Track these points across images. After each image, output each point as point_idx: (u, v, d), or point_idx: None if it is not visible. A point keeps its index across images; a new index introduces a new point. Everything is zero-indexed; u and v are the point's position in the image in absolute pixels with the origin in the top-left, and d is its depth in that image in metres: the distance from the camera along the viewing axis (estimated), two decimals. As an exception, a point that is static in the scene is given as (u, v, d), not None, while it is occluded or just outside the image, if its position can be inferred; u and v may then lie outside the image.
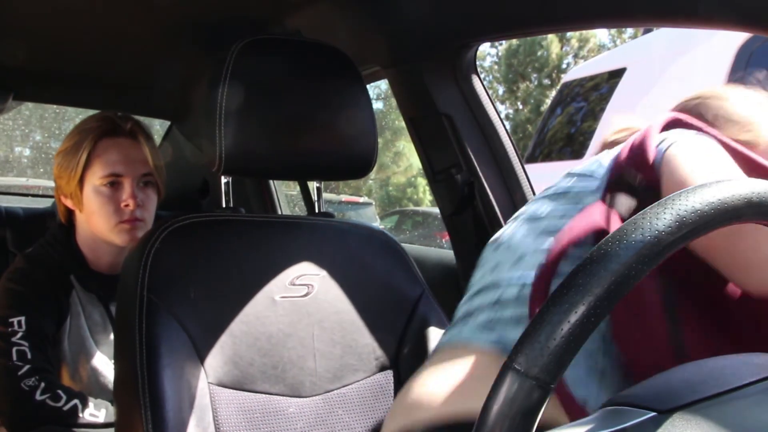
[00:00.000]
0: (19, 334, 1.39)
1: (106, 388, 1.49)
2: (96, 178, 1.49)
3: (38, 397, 1.35)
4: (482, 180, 1.48)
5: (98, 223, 1.50)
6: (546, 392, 0.43)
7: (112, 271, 1.54)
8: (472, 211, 1.49)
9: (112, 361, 1.48)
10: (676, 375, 0.53)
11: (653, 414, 0.48)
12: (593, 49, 17.91)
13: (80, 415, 1.38)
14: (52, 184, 1.58)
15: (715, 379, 0.52)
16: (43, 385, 1.36)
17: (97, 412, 1.41)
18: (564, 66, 18.10)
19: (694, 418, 0.47)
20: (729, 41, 2.55)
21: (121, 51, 1.65)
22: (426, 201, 17.33)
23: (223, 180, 1.19)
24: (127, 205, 1.48)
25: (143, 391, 0.95)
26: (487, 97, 1.52)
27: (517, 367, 0.44)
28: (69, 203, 1.54)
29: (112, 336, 1.51)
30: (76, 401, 1.38)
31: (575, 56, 18.37)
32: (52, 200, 2.28)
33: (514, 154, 1.52)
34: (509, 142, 1.52)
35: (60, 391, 1.38)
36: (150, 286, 1.00)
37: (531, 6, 1.21)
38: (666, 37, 2.99)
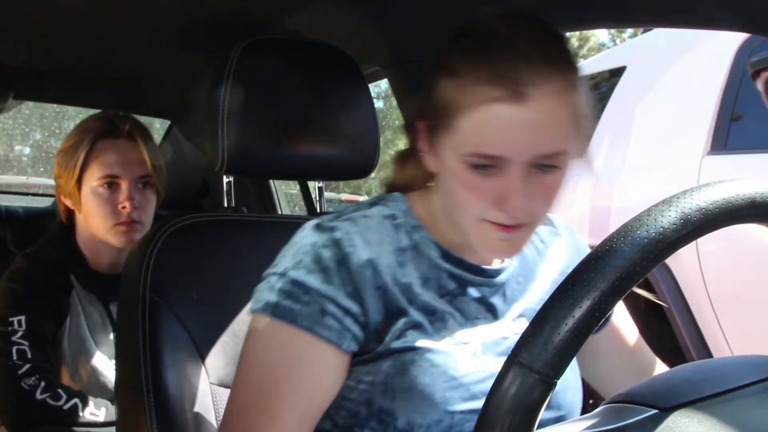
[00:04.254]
0: (19, 334, 1.39)
1: (105, 388, 1.49)
2: (93, 179, 1.48)
3: (38, 396, 1.35)
4: (482, 179, 1.48)
5: (95, 224, 1.49)
6: (549, 387, 0.43)
7: (112, 271, 1.53)
8: (473, 211, 1.48)
9: (112, 360, 1.48)
10: (678, 374, 0.53)
11: (655, 411, 0.48)
12: (593, 48, 17.88)
13: (80, 414, 1.38)
14: (52, 182, 1.58)
15: (716, 379, 0.52)
16: (43, 384, 1.36)
17: (97, 411, 1.41)
18: (563, 65, 18.06)
19: (695, 416, 0.47)
20: (729, 40, 2.56)
21: (121, 50, 1.65)
22: (425, 200, 17.22)
23: (225, 180, 1.19)
24: (124, 207, 1.48)
25: (148, 392, 0.95)
26: (487, 96, 1.51)
27: (521, 361, 0.44)
28: (69, 203, 1.53)
29: (111, 336, 1.51)
30: (76, 400, 1.38)
31: (575, 55, 18.34)
32: (52, 199, 2.27)
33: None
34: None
35: (60, 390, 1.38)
36: (152, 286, 1.00)
37: (530, 6, 1.20)
38: (666, 35, 2.98)
